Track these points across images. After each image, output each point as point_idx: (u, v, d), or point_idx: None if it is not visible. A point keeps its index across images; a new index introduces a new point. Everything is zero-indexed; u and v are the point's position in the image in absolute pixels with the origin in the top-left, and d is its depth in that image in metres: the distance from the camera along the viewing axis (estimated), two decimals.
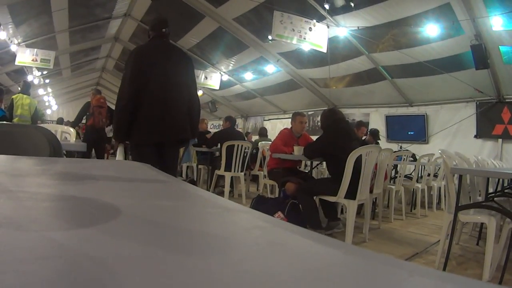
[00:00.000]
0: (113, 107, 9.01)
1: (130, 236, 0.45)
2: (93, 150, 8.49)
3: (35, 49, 12.54)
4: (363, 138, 8.69)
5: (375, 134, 8.73)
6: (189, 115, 4.06)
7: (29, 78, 16.33)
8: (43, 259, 0.34)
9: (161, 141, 3.89)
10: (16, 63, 12.57)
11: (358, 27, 8.90)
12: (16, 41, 12.03)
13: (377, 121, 12.00)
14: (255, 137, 12.58)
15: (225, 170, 7.42)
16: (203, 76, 14.41)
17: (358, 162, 4.51)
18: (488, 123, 9.46)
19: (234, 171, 7.45)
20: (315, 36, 9.05)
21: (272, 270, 0.36)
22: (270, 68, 13.06)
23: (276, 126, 15.91)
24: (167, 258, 0.37)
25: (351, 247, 0.45)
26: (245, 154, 7.62)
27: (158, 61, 3.87)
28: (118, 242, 0.42)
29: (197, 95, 4.32)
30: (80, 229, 0.47)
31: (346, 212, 4.70)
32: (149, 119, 3.78)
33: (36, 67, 14.48)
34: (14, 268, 0.31)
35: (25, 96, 9.15)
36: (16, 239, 0.40)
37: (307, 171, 6.65)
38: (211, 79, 14.76)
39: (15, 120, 8.66)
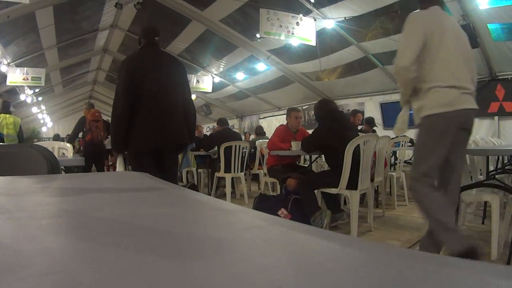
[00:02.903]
0: (108, 119, 9.01)
1: (130, 246, 0.45)
2: (94, 164, 8.50)
3: (25, 68, 12.52)
4: (359, 127, 8.70)
5: (370, 122, 8.73)
6: (186, 119, 4.04)
7: (22, 97, 16.33)
8: (43, 276, 0.34)
9: (160, 147, 3.86)
10: (8, 83, 12.56)
11: (345, 17, 8.91)
12: (5, 62, 12.01)
13: (372, 109, 12.02)
14: (252, 137, 12.59)
15: (224, 172, 7.42)
16: (195, 80, 14.41)
17: (356, 152, 4.50)
18: (483, 102, 9.45)
19: (234, 172, 7.44)
20: (303, 30, 9.06)
21: (270, 268, 0.36)
22: (261, 66, 13.08)
23: (272, 123, 15.91)
24: (166, 264, 0.37)
25: (349, 238, 0.45)
26: (244, 154, 7.62)
27: (150, 68, 3.85)
28: (118, 253, 0.42)
29: (192, 99, 4.31)
30: (79, 243, 0.47)
31: (349, 203, 4.70)
32: (145, 127, 3.76)
33: (28, 86, 14.48)
34: (15, 286, 0.31)
35: (7, 115, 9.11)
36: (16, 257, 0.40)
37: (306, 166, 6.65)
38: (203, 82, 14.77)
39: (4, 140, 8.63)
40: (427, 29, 2.99)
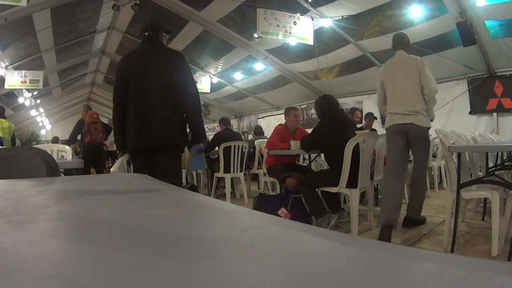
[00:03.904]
0: (106, 121, 9.00)
1: (128, 249, 0.45)
2: (93, 166, 8.50)
3: (23, 71, 12.52)
4: (360, 125, 8.71)
5: (371, 115, 8.83)
6: (184, 117, 3.79)
7: (20, 100, 16.31)
8: (42, 280, 0.33)
9: (140, 148, 3.72)
10: (6, 86, 12.57)
11: (342, 16, 8.91)
12: (3, 65, 12.01)
13: (370, 107, 12.01)
14: (251, 136, 12.59)
15: (224, 172, 7.41)
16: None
17: (356, 150, 4.50)
18: (481, 99, 9.48)
19: (233, 172, 7.44)
20: (301, 30, 9.06)
21: (269, 269, 0.36)
22: (259, 66, 13.08)
23: (271, 123, 15.90)
24: (166, 266, 0.37)
25: (350, 237, 0.45)
26: (243, 154, 7.61)
27: (136, 66, 3.73)
28: (117, 255, 0.42)
29: (193, 94, 3.86)
30: (79, 246, 0.47)
31: (349, 201, 4.70)
32: (130, 127, 3.70)
33: (26, 89, 14.48)
34: None
35: (3, 120, 9.19)
36: (15, 261, 0.40)
37: (306, 165, 6.65)
38: (201, 83, 14.74)
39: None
40: (382, 80, 4.77)
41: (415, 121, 4.42)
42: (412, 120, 4.42)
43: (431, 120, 4.63)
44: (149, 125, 3.64)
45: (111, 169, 3.41)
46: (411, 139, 4.54)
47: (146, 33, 3.90)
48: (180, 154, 3.96)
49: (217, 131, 9.75)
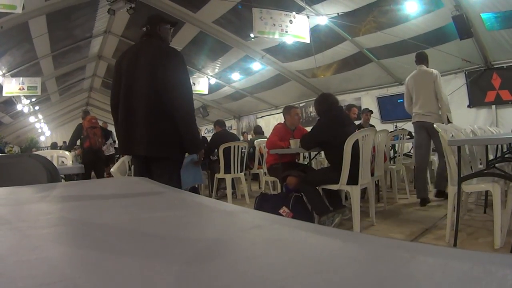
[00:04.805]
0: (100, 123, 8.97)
1: (130, 253, 0.45)
2: (93, 171, 8.49)
3: (21, 78, 12.51)
4: (358, 122, 8.71)
5: (367, 110, 8.86)
6: (181, 124, 3.36)
7: (19, 107, 16.30)
8: (45, 285, 0.33)
9: (127, 154, 3.60)
10: (4, 94, 12.58)
11: (338, 13, 8.89)
12: (1, 72, 12.01)
13: (369, 103, 12.00)
14: (250, 136, 12.59)
15: (224, 173, 7.41)
16: (190, 82, 14.35)
17: (355, 147, 4.50)
18: (479, 91, 9.47)
19: (234, 173, 7.43)
20: (297, 28, 9.05)
21: (270, 268, 0.36)
22: (256, 66, 13.05)
23: (270, 122, 15.89)
24: (168, 268, 0.37)
25: (351, 234, 0.45)
26: (243, 154, 7.61)
27: (128, 66, 3.46)
28: (119, 259, 0.42)
29: (186, 97, 3.48)
30: (81, 252, 0.46)
31: (350, 198, 4.69)
32: (117, 130, 3.54)
33: (24, 96, 14.46)
34: None
35: None
36: (17, 268, 0.40)
37: (306, 163, 6.65)
38: (199, 84, 14.71)
39: None
40: (409, 88, 6.30)
41: (430, 120, 5.81)
42: (428, 119, 5.89)
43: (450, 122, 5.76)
44: (132, 132, 3.36)
45: (111, 169, 3.32)
46: (430, 133, 5.85)
47: (144, 28, 3.62)
48: (175, 166, 3.55)
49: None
